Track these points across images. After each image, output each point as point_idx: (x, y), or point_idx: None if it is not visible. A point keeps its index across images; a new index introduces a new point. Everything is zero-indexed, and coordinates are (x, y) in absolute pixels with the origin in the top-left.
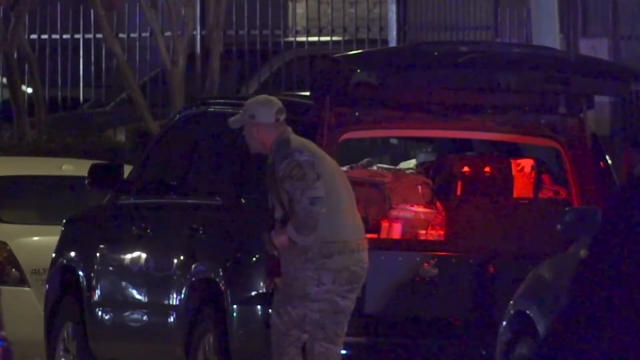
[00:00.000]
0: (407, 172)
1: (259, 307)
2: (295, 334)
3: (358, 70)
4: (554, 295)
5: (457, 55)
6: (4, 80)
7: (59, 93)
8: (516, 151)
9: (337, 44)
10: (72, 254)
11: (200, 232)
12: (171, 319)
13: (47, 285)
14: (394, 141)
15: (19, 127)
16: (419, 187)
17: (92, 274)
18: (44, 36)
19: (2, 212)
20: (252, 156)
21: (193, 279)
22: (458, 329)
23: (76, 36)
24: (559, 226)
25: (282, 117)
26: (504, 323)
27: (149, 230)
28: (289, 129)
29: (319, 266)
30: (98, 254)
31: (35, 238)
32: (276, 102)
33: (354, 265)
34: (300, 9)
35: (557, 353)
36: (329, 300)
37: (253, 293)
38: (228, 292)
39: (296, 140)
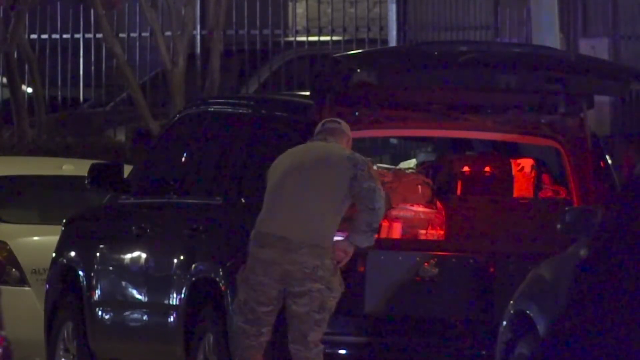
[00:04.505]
0: (407, 172)
1: None
2: (239, 322)
3: (358, 70)
4: (554, 295)
5: (457, 55)
6: (4, 80)
7: (59, 93)
8: (516, 151)
9: (337, 44)
10: (72, 253)
11: (200, 232)
12: (171, 319)
13: (47, 285)
14: (394, 141)
15: (19, 127)
16: (419, 187)
17: (92, 274)
18: (44, 36)
19: (2, 211)
20: (253, 156)
21: (193, 279)
22: (458, 329)
23: (76, 36)
24: (559, 226)
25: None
26: (504, 323)
27: (149, 230)
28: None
29: (254, 254)
30: (98, 254)
31: (35, 238)
32: None
33: (289, 264)
34: (300, 9)
35: (557, 353)
36: (285, 304)
37: None
38: (228, 292)
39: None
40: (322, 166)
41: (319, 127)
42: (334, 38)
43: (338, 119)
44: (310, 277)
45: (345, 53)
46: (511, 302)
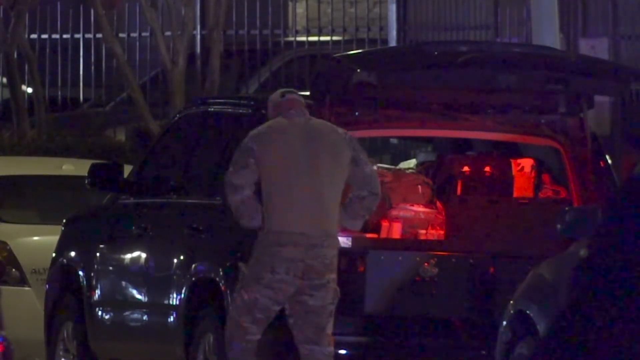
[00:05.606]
0: (407, 172)
1: None
2: (244, 323)
3: (358, 70)
4: (554, 295)
5: (457, 55)
6: (4, 80)
7: (59, 93)
8: (516, 151)
9: (337, 44)
10: (72, 253)
11: (200, 232)
12: (171, 319)
13: (47, 285)
14: (394, 141)
15: (19, 127)
16: (419, 186)
17: (92, 274)
18: (44, 36)
19: (2, 211)
20: None
21: (193, 279)
22: (458, 329)
23: (76, 36)
24: (559, 226)
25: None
26: (504, 323)
27: (149, 230)
28: (286, 114)
29: (274, 253)
30: (98, 254)
31: (35, 238)
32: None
33: (311, 259)
34: (300, 9)
35: (557, 353)
36: (297, 300)
37: None
38: (228, 292)
39: (267, 123)
40: (327, 154)
41: (278, 98)
42: (334, 38)
43: (292, 89)
44: (329, 268)
45: (345, 53)
46: (511, 302)
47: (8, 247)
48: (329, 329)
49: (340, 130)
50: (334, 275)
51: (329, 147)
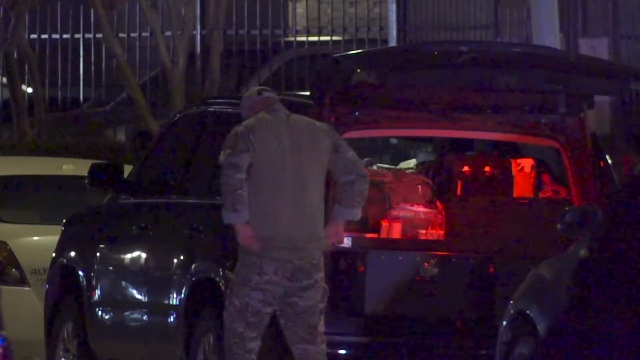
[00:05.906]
0: (407, 171)
1: None
2: (238, 328)
3: (358, 70)
4: (554, 295)
5: (457, 55)
6: (4, 80)
7: (59, 93)
8: (516, 151)
9: (337, 44)
10: (72, 253)
11: (200, 232)
12: (171, 319)
13: (47, 285)
14: (394, 141)
15: (19, 127)
16: (419, 186)
17: (92, 274)
18: (44, 36)
19: (2, 211)
20: None
21: (193, 279)
22: (458, 329)
23: (76, 36)
24: (559, 226)
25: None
26: (504, 323)
27: (149, 230)
28: (269, 110)
29: (261, 255)
30: (98, 254)
31: (35, 238)
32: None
33: (299, 260)
34: (300, 9)
35: (557, 353)
36: (287, 302)
37: None
38: (228, 292)
39: (255, 117)
40: (309, 150)
41: (254, 96)
42: (334, 38)
43: (267, 87)
44: (317, 267)
45: (345, 53)
46: (511, 302)
47: (8, 247)
48: (321, 327)
49: (319, 123)
50: (322, 274)
51: (311, 142)
